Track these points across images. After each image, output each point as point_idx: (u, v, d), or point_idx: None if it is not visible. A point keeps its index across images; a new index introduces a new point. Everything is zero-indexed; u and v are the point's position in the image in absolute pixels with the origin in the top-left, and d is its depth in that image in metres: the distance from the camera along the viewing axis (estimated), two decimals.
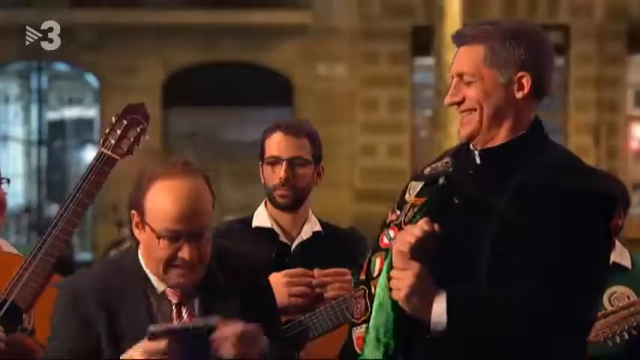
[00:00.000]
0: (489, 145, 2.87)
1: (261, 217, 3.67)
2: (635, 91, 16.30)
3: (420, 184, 2.96)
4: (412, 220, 2.88)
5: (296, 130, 3.62)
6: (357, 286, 2.98)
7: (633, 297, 3.67)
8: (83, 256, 15.32)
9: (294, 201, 3.60)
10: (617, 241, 3.81)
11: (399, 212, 2.96)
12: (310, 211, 3.69)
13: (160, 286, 2.81)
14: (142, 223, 2.78)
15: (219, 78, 15.55)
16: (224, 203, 13.35)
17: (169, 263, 2.75)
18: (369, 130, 15.12)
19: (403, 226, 2.89)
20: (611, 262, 3.70)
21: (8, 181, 3.48)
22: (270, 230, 3.64)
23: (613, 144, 15.81)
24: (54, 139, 16.91)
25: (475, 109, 2.84)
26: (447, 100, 2.89)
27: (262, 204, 3.72)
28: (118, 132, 3.27)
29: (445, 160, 2.96)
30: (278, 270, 3.47)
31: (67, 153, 17.22)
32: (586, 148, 15.66)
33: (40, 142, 16.24)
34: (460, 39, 2.89)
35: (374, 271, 2.90)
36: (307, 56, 15.63)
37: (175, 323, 2.75)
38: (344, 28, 15.66)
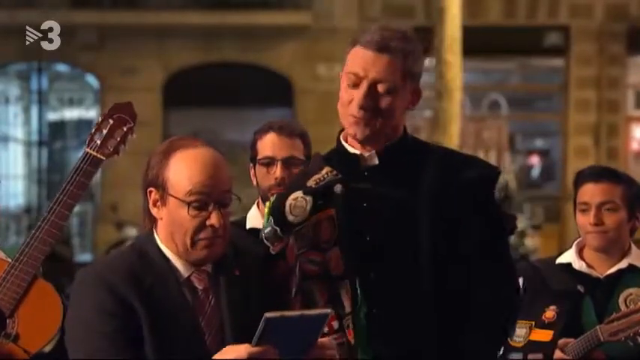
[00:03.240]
0: (384, 144, 2.93)
1: (255, 219, 3.67)
2: (635, 92, 16.29)
3: (306, 199, 2.92)
4: (334, 237, 2.87)
5: (289, 130, 3.64)
6: None
7: None
8: (83, 257, 15.31)
9: None
10: (632, 244, 3.81)
11: (290, 237, 2.92)
12: None
13: (184, 271, 2.71)
14: (164, 197, 2.69)
15: (219, 79, 15.54)
16: None
17: (197, 234, 2.66)
18: None
19: (321, 245, 2.89)
20: (627, 264, 3.72)
21: None
22: None
23: (613, 145, 15.80)
24: (54, 139, 16.91)
25: (380, 116, 2.88)
26: (360, 103, 2.87)
27: (254, 206, 3.72)
28: (104, 132, 3.24)
29: (327, 170, 2.95)
30: None
31: (67, 154, 17.20)
32: (586, 148, 15.66)
33: (40, 143, 16.24)
34: (379, 46, 2.88)
35: (315, 299, 2.89)
36: (307, 57, 15.62)
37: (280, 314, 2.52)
38: (344, 29, 15.63)
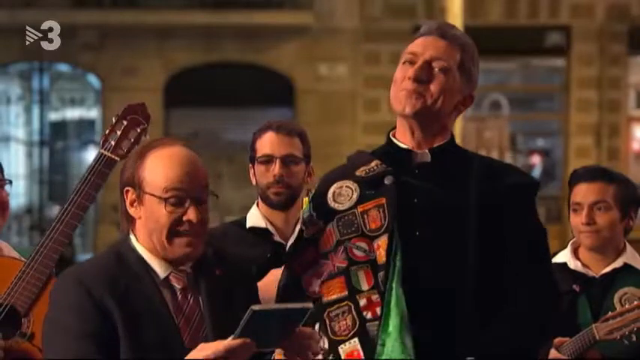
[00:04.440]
0: (435, 144, 2.98)
1: (255, 218, 3.70)
2: (637, 92, 16.29)
3: (352, 188, 2.99)
4: (383, 225, 2.91)
5: (287, 129, 3.68)
6: (335, 304, 2.95)
7: None
8: (84, 257, 15.32)
9: (287, 198, 3.65)
10: (627, 244, 3.82)
11: (334, 224, 2.97)
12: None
13: (162, 272, 2.72)
14: (140, 196, 2.70)
15: (220, 79, 15.55)
16: (225, 204, 13.34)
17: (174, 229, 2.68)
18: (370, 131, 15.10)
19: (367, 233, 2.93)
20: (622, 263, 3.74)
21: (10, 182, 3.47)
22: (265, 230, 3.67)
23: (614, 145, 15.81)
24: (55, 139, 16.91)
25: (432, 92, 2.92)
26: (415, 75, 2.92)
27: (254, 205, 3.75)
28: (118, 133, 3.26)
29: (377, 162, 3.01)
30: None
31: (69, 154, 17.22)
32: (587, 148, 15.67)
33: (41, 143, 16.25)
34: (440, 32, 2.97)
35: (360, 285, 2.93)
36: (309, 57, 15.63)
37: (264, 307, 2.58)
38: (345, 28, 15.66)
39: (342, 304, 2.94)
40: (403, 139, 3.01)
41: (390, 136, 3.06)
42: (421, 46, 2.96)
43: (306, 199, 3.09)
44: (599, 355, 3.63)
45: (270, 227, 3.68)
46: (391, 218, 2.91)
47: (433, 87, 2.92)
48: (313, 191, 3.09)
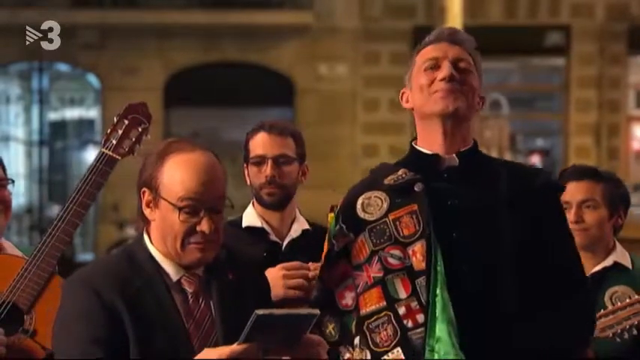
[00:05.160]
0: (461, 149, 3.00)
1: (251, 217, 3.71)
2: (636, 92, 16.30)
3: (381, 197, 3.00)
4: (418, 230, 2.92)
5: (279, 129, 3.68)
6: (373, 315, 2.95)
7: (634, 297, 3.69)
8: (85, 256, 15.33)
9: (281, 199, 3.65)
10: (617, 242, 3.84)
11: (366, 235, 2.97)
12: (297, 211, 3.73)
13: (174, 274, 2.71)
14: (156, 199, 2.69)
15: (220, 78, 15.56)
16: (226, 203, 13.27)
17: (187, 238, 2.66)
18: (370, 131, 15.12)
19: (401, 239, 2.93)
20: (612, 262, 3.75)
21: (13, 182, 3.49)
22: (261, 229, 3.68)
23: (614, 144, 15.81)
24: (55, 139, 16.91)
25: (465, 91, 2.95)
26: (449, 75, 2.93)
27: (250, 205, 3.75)
28: (120, 132, 3.29)
29: (404, 170, 3.01)
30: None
31: (69, 153, 17.22)
32: (587, 148, 15.67)
33: (41, 143, 16.24)
34: (452, 39, 3.00)
35: (398, 293, 2.92)
36: (309, 57, 15.63)
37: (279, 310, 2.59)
38: (345, 28, 15.66)
39: (381, 314, 2.93)
40: (429, 146, 3.02)
41: (413, 144, 3.07)
42: (440, 51, 2.98)
43: (331, 215, 3.07)
44: (591, 354, 3.64)
45: (266, 226, 3.68)
46: (425, 224, 2.91)
47: (466, 86, 2.96)
48: (338, 207, 3.07)
